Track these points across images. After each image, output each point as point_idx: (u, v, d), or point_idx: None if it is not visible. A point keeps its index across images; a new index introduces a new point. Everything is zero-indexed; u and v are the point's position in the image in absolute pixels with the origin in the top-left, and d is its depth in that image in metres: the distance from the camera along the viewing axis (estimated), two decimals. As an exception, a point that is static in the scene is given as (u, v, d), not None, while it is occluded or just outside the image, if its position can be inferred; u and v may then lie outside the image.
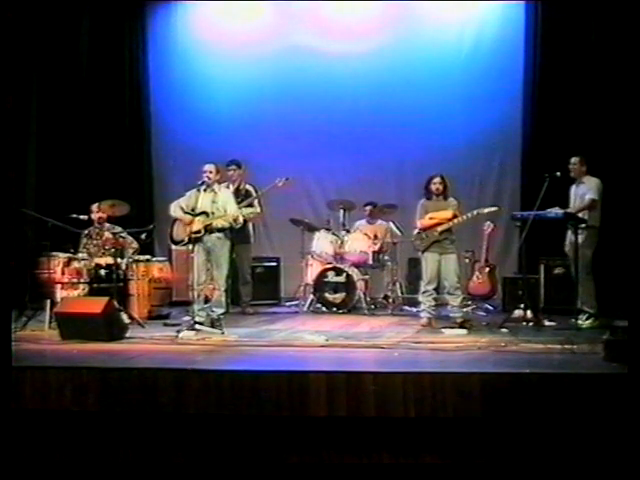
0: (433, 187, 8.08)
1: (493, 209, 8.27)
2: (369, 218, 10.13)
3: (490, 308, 9.43)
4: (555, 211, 7.95)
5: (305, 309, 9.67)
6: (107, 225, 8.95)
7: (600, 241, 8.06)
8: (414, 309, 9.11)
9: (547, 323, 7.94)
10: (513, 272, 9.90)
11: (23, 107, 10.36)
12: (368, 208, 10.09)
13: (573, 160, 8.19)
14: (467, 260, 9.64)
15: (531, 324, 7.91)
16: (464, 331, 7.59)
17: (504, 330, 7.55)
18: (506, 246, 10.66)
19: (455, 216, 7.98)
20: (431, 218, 8.04)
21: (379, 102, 11.02)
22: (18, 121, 10.21)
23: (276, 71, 11.27)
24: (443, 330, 7.63)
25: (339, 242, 9.75)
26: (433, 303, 8.10)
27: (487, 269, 9.57)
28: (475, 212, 8.07)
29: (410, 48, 11.11)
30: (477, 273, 9.58)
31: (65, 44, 10.80)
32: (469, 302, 9.10)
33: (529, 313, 8.06)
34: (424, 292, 8.09)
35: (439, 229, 7.96)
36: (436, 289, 8.11)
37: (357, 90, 11.05)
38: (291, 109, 11.15)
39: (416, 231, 8.14)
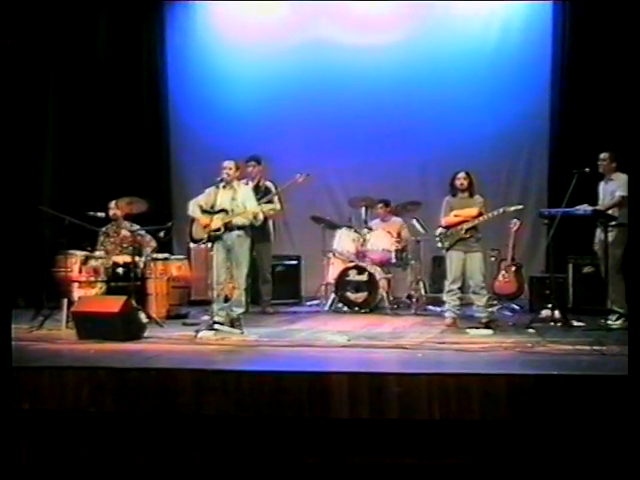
0: (458, 183, 8.04)
1: (519, 207, 8.23)
2: (383, 216, 10.09)
3: (516, 308, 9.38)
4: (584, 208, 7.89)
5: (326, 309, 9.67)
6: (125, 223, 8.98)
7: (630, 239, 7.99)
8: (438, 309, 9.07)
9: (575, 323, 7.88)
10: (540, 271, 9.85)
11: (40, 103, 10.44)
12: (379, 206, 10.05)
13: (602, 156, 8.12)
14: (493, 258, 9.60)
15: (559, 324, 7.86)
16: (490, 331, 7.55)
17: (531, 330, 7.50)
18: (533, 244, 10.60)
19: (481, 214, 7.94)
20: (456, 215, 7.99)
21: (402, 96, 10.98)
22: (35, 117, 10.33)
23: (296, 65, 11.27)
24: (468, 330, 7.60)
25: (361, 240, 9.74)
26: (458, 303, 8.06)
27: (513, 268, 9.52)
28: (501, 210, 8.02)
29: (434, 41, 11.07)
30: (503, 272, 9.53)
31: (82, 40, 10.86)
32: (495, 302, 9.04)
33: (557, 313, 8.01)
34: (448, 291, 8.05)
35: (464, 227, 7.92)
36: (461, 288, 8.06)
37: (379, 84, 11.02)
38: (311, 104, 11.14)
39: (440, 229, 8.11)
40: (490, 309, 8.16)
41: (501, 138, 10.78)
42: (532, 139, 10.88)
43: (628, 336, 5.39)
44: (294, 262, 10.65)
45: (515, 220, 9.27)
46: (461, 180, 8.03)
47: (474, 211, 7.95)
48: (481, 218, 7.93)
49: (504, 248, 9.59)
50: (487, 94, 10.84)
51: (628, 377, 4.98)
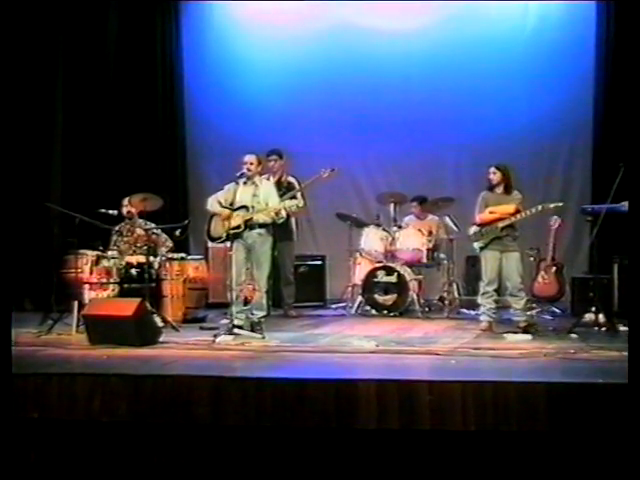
0: (488, 177, 8.04)
1: (559, 204, 8.19)
2: (419, 213, 10.08)
3: (557, 311, 9.35)
4: (630, 204, 7.83)
5: (353, 312, 9.68)
6: (139, 221, 9.02)
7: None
8: (473, 312, 9.08)
9: (622, 328, 7.80)
10: (583, 272, 9.80)
11: (48, 94, 10.50)
12: (415, 204, 10.04)
13: (651, 148, 8.06)
14: (532, 258, 9.57)
15: (604, 329, 7.81)
16: (528, 336, 7.52)
17: (573, 336, 7.47)
18: (575, 243, 10.56)
19: (518, 211, 7.91)
20: (492, 212, 7.98)
21: (433, 85, 10.97)
22: (43, 109, 10.39)
23: (320, 52, 11.28)
24: (505, 335, 7.58)
25: (390, 239, 9.73)
26: (494, 305, 8.06)
27: (554, 268, 9.48)
28: (540, 207, 7.98)
29: (468, 24, 11.05)
30: (543, 273, 9.49)
31: (93, 28, 10.88)
32: (534, 305, 9.03)
33: (601, 317, 7.96)
34: (484, 293, 8.05)
35: (500, 225, 7.90)
36: (497, 290, 8.07)
37: (409, 72, 11.02)
38: (337, 93, 11.15)
39: (474, 227, 8.09)
40: (529, 313, 8.15)
41: (541, 129, 10.74)
42: (574, 130, 10.82)
43: (628, 343, 5.35)
44: (318, 262, 10.66)
45: (555, 217, 9.22)
46: (490, 174, 8.02)
47: (511, 208, 7.94)
48: (518, 215, 7.91)
49: (544, 247, 9.56)
50: (525, 81, 10.81)
51: (628, 385, 4.95)
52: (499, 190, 8.04)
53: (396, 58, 11.06)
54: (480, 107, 10.89)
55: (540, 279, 9.50)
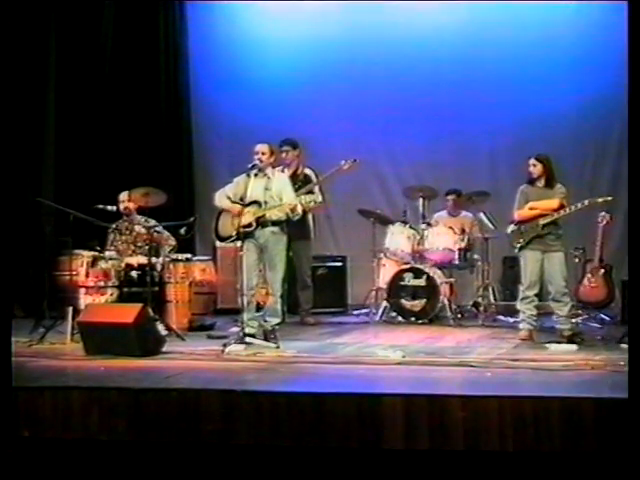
0: (528, 169, 8.03)
1: (608, 198, 8.16)
2: (451, 209, 10.08)
3: (606, 319, 9.30)
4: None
5: (377, 319, 9.69)
6: (139, 218, 9.05)
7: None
8: (511, 319, 9.06)
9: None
10: (635, 274, 9.76)
11: (40, 77, 10.54)
12: (450, 197, 10.05)
13: None
14: (577, 259, 9.53)
15: (658, 338, 7.79)
16: (573, 346, 7.50)
17: (624, 346, 7.41)
18: (626, 242, 10.49)
19: (562, 206, 7.91)
20: (532, 208, 7.98)
21: (466, 65, 10.98)
22: (35, 96, 10.44)
23: (339, 30, 11.28)
24: (547, 345, 7.55)
25: (418, 237, 9.72)
26: (534, 312, 8.05)
27: (602, 270, 9.44)
28: (586, 202, 7.97)
29: (505, 1, 11.00)
30: (589, 275, 9.46)
31: (88, 11, 10.88)
32: (579, 311, 8.98)
33: (655, 325, 7.94)
34: (523, 298, 8.04)
35: (541, 222, 7.89)
36: (538, 295, 8.07)
37: (439, 51, 11.03)
38: (358, 76, 11.16)
39: (512, 224, 8.08)
40: (574, 320, 8.13)
41: (587, 115, 10.72)
42: (625, 117, 10.69)
43: (629, 350, 5.34)
44: (339, 264, 10.69)
45: (603, 213, 9.17)
46: (530, 166, 8.02)
47: (554, 203, 7.93)
48: (562, 211, 7.91)
49: (590, 247, 9.51)
50: (569, 62, 10.78)
51: (629, 399, 4.94)
52: (540, 184, 8.04)
53: (424, 36, 11.07)
54: (519, 91, 10.87)
55: (586, 282, 9.46)
